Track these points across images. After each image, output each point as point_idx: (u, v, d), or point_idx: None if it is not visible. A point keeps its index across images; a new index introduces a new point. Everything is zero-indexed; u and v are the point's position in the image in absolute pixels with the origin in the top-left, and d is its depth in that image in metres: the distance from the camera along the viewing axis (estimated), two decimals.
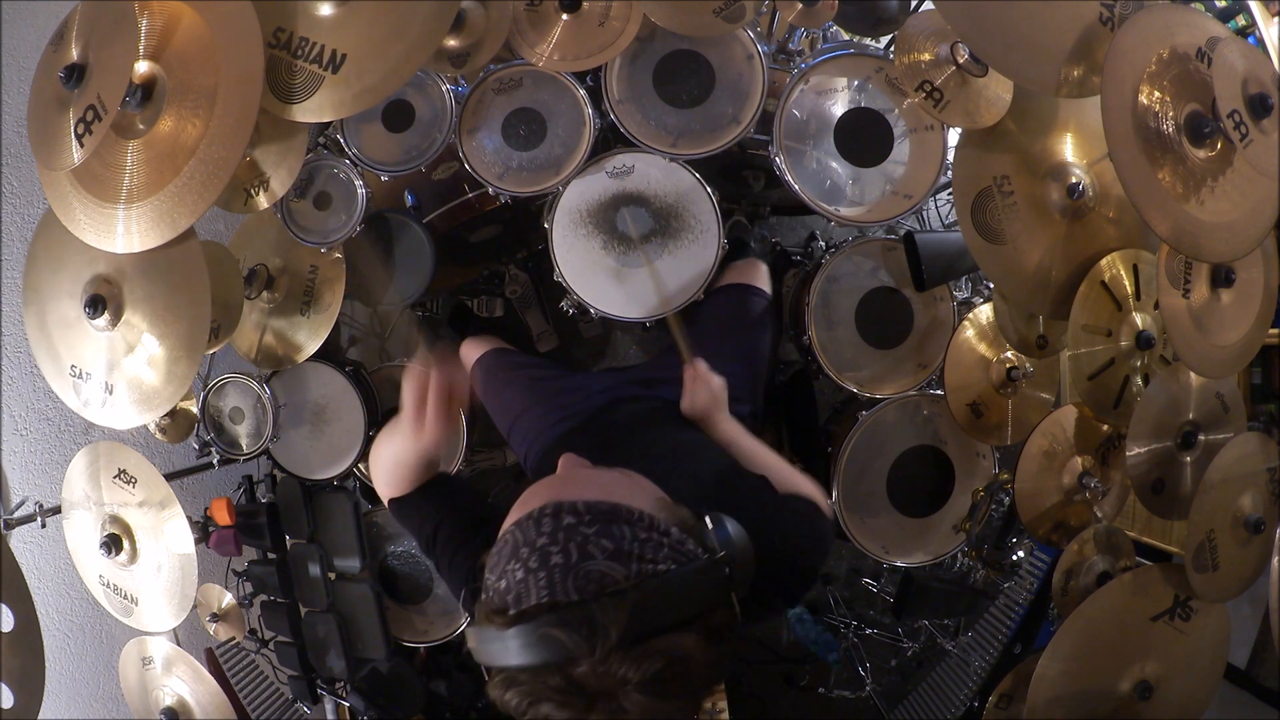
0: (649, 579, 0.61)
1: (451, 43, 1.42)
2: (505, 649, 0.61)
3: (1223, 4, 1.54)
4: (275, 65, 1.25)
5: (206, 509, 1.69)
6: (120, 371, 1.36)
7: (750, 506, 0.70)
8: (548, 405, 1.38)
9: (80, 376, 1.40)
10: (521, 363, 1.62)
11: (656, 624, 0.60)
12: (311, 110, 1.26)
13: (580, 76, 1.53)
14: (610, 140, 1.60)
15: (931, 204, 1.85)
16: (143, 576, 1.51)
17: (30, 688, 1.38)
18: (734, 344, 1.45)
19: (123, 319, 1.34)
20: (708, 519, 0.69)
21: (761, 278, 1.59)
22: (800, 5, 1.43)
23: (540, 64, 1.46)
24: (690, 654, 0.61)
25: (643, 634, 0.59)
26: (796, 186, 1.50)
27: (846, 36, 1.70)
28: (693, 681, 0.62)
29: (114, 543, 1.47)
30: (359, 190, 1.52)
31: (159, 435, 1.67)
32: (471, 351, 1.63)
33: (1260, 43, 1.39)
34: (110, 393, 1.38)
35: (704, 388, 1.19)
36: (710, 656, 0.62)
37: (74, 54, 1.23)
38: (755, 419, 1.40)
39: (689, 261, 1.56)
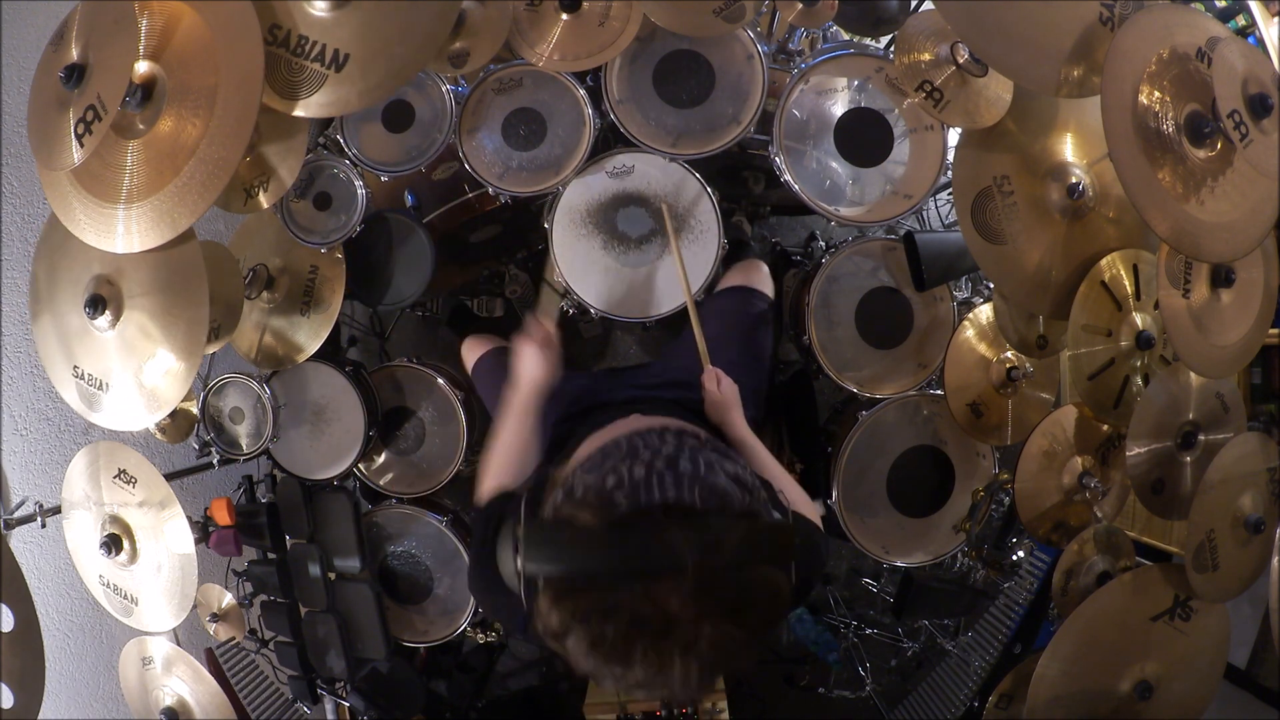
0: (760, 515, 0.62)
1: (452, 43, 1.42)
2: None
3: (1223, 4, 1.54)
4: (276, 63, 1.24)
5: (206, 509, 1.68)
6: (120, 372, 1.36)
7: None
8: (545, 403, 1.38)
9: (82, 377, 1.40)
10: None
11: (758, 557, 0.60)
12: (313, 107, 1.26)
13: (580, 76, 1.53)
14: (610, 140, 1.60)
15: (931, 204, 1.85)
16: (143, 576, 1.50)
17: (30, 688, 1.38)
18: (736, 348, 1.44)
19: (122, 318, 1.34)
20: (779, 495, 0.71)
21: (763, 280, 1.58)
22: (800, 5, 1.43)
23: (540, 64, 1.46)
24: (779, 591, 0.61)
25: (745, 562, 0.59)
26: (796, 186, 1.50)
27: (846, 36, 1.70)
28: (771, 621, 0.63)
29: (114, 543, 1.47)
30: (359, 190, 1.52)
31: (159, 435, 1.67)
32: (471, 351, 1.63)
33: (1260, 43, 1.39)
34: (107, 391, 1.38)
35: (726, 389, 1.21)
36: (787, 603, 0.63)
37: (74, 54, 1.23)
38: (755, 424, 1.40)
39: (689, 262, 1.55)
